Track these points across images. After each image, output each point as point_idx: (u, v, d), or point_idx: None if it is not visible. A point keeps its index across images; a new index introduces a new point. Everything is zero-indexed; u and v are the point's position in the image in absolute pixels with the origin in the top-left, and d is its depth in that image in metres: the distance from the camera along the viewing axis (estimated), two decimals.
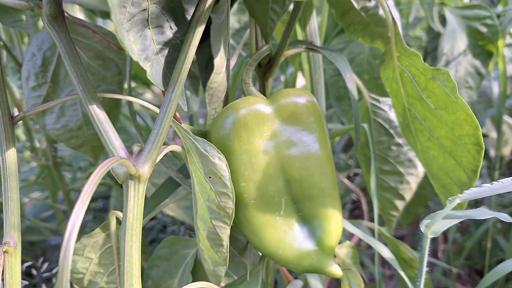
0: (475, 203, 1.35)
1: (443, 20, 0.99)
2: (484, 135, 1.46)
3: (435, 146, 0.41)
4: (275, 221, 0.39)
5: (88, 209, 1.00)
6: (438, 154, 0.42)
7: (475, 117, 0.37)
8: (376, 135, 0.58)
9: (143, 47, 0.33)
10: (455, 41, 0.92)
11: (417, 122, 0.43)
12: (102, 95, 0.39)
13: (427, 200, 1.23)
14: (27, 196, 1.00)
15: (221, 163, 0.36)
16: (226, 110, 0.40)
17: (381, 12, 0.49)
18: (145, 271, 0.50)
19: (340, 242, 0.55)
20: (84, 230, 0.99)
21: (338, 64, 0.45)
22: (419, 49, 1.29)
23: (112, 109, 0.59)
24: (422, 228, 0.34)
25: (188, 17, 0.37)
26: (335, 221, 0.39)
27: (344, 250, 0.52)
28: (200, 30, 0.35)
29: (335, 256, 0.43)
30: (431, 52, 1.22)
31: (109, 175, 0.97)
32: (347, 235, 0.98)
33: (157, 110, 0.37)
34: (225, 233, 0.39)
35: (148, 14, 0.33)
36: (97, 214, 1.01)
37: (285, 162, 0.39)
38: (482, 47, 0.96)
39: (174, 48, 0.36)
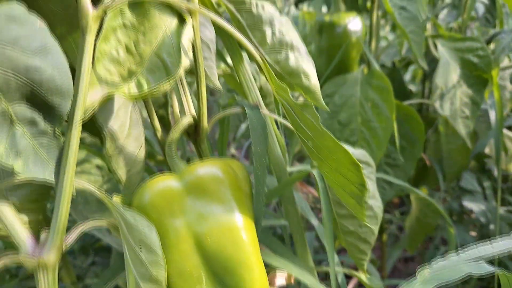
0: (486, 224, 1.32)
1: (434, 57, 0.99)
2: (487, 156, 1.44)
3: (326, 165, 0.44)
4: None
5: None
6: (330, 172, 0.44)
7: (340, 144, 0.40)
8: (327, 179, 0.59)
9: (12, 143, 0.33)
10: (449, 74, 0.92)
11: (306, 146, 0.45)
12: None
13: (431, 227, 1.21)
14: None
15: (150, 232, 0.38)
16: (138, 192, 0.42)
17: (291, 63, 0.52)
18: None
19: None
20: None
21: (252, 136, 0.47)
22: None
23: None
24: None
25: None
26: None
27: None
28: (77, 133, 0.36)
29: None
30: (429, 75, 1.22)
31: None
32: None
33: None
34: None
35: (10, 115, 0.33)
36: None
37: (198, 237, 0.40)
38: (476, 77, 0.96)
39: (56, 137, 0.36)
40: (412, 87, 1.48)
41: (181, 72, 0.42)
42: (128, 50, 0.43)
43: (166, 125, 0.63)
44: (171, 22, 0.43)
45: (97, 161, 0.73)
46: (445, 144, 1.20)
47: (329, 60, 0.90)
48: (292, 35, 0.53)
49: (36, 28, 0.32)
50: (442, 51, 0.90)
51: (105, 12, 0.38)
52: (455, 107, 0.95)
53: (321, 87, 0.81)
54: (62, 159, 0.36)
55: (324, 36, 0.89)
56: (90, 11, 0.37)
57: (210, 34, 0.56)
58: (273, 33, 0.53)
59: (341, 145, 0.40)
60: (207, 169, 0.43)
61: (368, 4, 0.95)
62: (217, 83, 0.55)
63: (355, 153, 0.61)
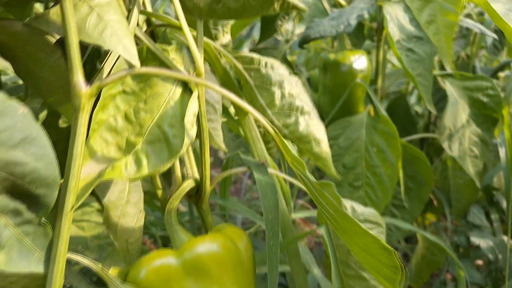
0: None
1: (443, 94, 0.97)
2: (496, 189, 1.41)
3: (353, 243, 0.41)
4: None
5: None
6: (358, 250, 0.42)
7: (366, 230, 0.37)
8: (335, 238, 0.56)
9: None
10: (457, 113, 0.89)
11: (329, 220, 0.43)
12: None
13: (438, 265, 1.18)
14: None
15: None
16: (135, 267, 0.40)
17: (301, 128, 0.49)
18: None
19: None
20: None
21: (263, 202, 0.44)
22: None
23: None
24: None
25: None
26: None
27: None
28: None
29: None
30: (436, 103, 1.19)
31: None
32: None
33: None
34: None
35: None
36: None
37: None
38: (485, 116, 0.93)
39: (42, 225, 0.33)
40: (418, 108, 1.44)
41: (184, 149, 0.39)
42: (127, 118, 0.39)
43: (168, 181, 0.60)
44: (175, 90, 0.40)
45: (98, 205, 0.70)
46: (452, 178, 1.17)
47: (334, 98, 0.87)
48: (303, 98, 0.51)
49: (17, 118, 0.30)
50: (451, 90, 0.88)
51: (100, 90, 0.36)
52: (463, 147, 0.91)
53: (326, 127, 0.79)
54: (52, 250, 0.33)
55: (329, 74, 0.86)
56: (83, 89, 0.34)
57: (216, 95, 0.54)
58: (283, 95, 0.50)
59: (368, 231, 0.36)
60: (207, 246, 0.40)
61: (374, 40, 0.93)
62: (222, 145, 0.52)
63: (364, 212, 0.58)
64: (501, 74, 1.41)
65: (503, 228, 1.36)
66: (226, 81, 0.55)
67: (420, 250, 1.13)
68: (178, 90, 0.40)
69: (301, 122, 0.50)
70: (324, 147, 0.50)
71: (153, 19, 0.50)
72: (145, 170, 0.37)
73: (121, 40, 0.33)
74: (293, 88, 0.51)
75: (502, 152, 1.06)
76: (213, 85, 0.40)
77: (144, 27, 0.52)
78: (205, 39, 0.49)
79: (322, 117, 0.94)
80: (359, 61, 0.85)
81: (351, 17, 0.77)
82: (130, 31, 0.35)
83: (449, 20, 0.57)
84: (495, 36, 0.94)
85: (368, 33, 1.02)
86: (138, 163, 0.38)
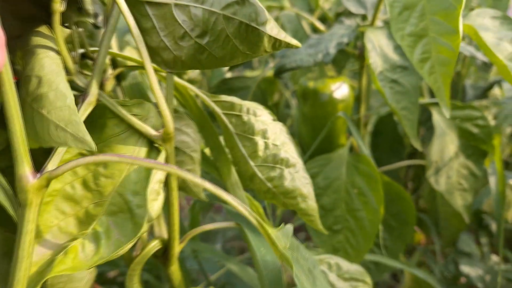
0: None
1: (430, 123, 0.90)
2: (485, 212, 1.34)
3: None
4: None
5: None
6: None
7: None
8: None
9: None
10: (445, 145, 0.83)
11: None
12: None
13: None
14: None
15: None
16: None
17: (287, 183, 0.46)
18: None
19: None
20: None
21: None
22: None
23: None
24: None
25: None
26: None
27: None
28: None
29: None
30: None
31: None
32: None
33: None
34: None
35: None
36: None
37: None
38: (474, 147, 0.86)
39: None
40: None
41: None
42: (86, 185, 0.34)
43: None
44: (139, 151, 0.36)
45: None
46: (441, 206, 1.11)
47: (314, 129, 0.80)
48: (288, 149, 0.48)
49: None
50: (438, 120, 0.82)
51: (49, 182, 0.28)
52: (451, 180, 0.85)
53: (305, 162, 0.72)
54: None
55: (308, 103, 0.80)
56: (30, 181, 0.27)
57: (193, 143, 0.49)
58: (266, 146, 0.47)
59: None
60: None
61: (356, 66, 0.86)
62: (201, 196, 0.49)
63: (350, 269, 0.53)
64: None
65: (492, 252, 1.30)
66: (204, 125, 0.48)
67: (407, 284, 1.05)
68: (143, 150, 0.37)
69: (286, 176, 0.47)
70: (311, 203, 0.48)
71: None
72: (106, 251, 0.30)
73: (67, 129, 0.28)
74: (277, 138, 0.48)
75: (492, 181, 1.00)
76: (179, 170, 0.33)
77: (110, 71, 0.45)
78: (178, 80, 0.47)
79: (302, 148, 0.86)
80: (340, 90, 0.79)
81: (330, 45, 0.70)
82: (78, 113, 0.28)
83: (446, 58, 0.50)
84: (486, 60, 0.87)
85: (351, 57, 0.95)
86: (97, 241, 0.31)
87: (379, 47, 0.72)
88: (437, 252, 1.26)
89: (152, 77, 0.35)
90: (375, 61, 0.69)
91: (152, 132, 0.37)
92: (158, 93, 0.35)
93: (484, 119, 0.86)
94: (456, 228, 1.13)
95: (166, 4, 0.36)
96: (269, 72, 0.94)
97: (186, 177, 0.32)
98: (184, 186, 0.50)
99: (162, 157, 0.37)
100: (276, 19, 0.90)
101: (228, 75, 1.21)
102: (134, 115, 0.37)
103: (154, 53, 0.37)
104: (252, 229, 0.49)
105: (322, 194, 0.70)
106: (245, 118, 0.47)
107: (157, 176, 0.36)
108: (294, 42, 0.38)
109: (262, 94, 0.95)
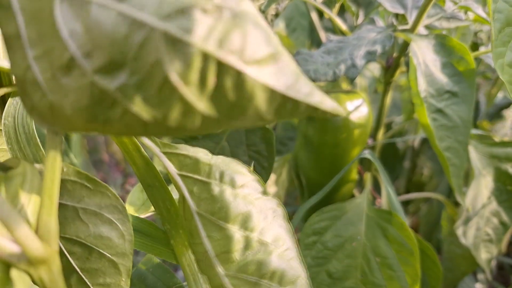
0: None
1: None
2: None
3: None
4: None
5: None
6: None
7: None
8: None
9: None
10: (479, 190, 0.64)
11: None
12: None
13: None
14: None
15: None
16: None
17: None
18: None
19: None
20: None
21: None
22: None
23: None
24: None
25: None
26: None
27: None
28: None
29: None
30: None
31: None
32: None
33: None
34: None
35: None
36: None
37: None
38: (510, 192, 0.67)
39: None
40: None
41: None
42: None
43: None
44: None
45: None
46: (447, 244, 0.92)
47: (319, 159, 0.60)
48: (285, 251, 0.27)
49: None
50: (475, 159, 0.61)
51: None
52: (479, 233, 0.66)
53: (307, 211, 0.52)
54: None
55: (313, 125, 0.59)
56: None
57: (119, 241, 0.30)
58: (248, 244, 0.27)
59: None
60: None
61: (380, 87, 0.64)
62: None
63: None
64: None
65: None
66: (152, 183, 0.30)
67: None
68: None
69: None
70: None
71: None
72: None
73: None
74: (267, 229, 0.27)
75: None
76: None
77: None
78: None
79: (300, 182, 0.66)
80: (359, 111, 0.58)
81: (357, 53, 0.49)
82: None
83: None
84: None
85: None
86: None
87: (423, 63, 0.51)
88: None
89: None
90: (419, 81, 0.48)
91: (7, 248, 0.17)
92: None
93: None
94: (461, 271, 0.96)
95: None
96: None
97: None
98: None
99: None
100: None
101: None
102: None
103: (22, 88, 0.16)
104: None
105: (330, 257, 0.50)
106: (216, 189, 0.27)
107: None
108: (338, 110, 0.17)
109: None
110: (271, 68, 0.16)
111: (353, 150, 0.60)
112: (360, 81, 1.03)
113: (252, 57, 0.16)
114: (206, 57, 0.15)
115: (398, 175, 1.21)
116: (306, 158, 0.62)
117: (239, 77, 0.16)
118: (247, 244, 0.26)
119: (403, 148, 1.23)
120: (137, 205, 0.39)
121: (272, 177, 0.92)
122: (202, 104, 0.16)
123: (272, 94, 0.17)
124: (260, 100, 0.17)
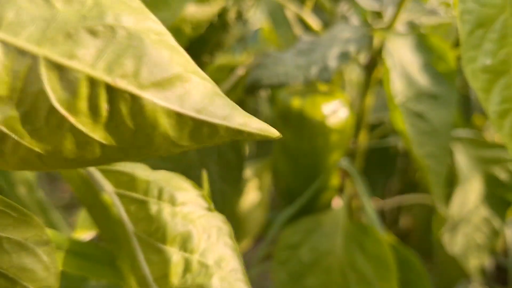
0: None
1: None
2: None
3: None
4: None
5: None
6: None
7: None
8: None
9: None
10: (466, 195, 0.62)
11: None
12: None
13: None
14: None
15: None
16: None
17: None
18: None
19: None
20: None
21: None
22: None
23: None
24: None
25: None
26: None
27: None
28: None
29: None
30: None
31: None
32: None
33: None
34: None
35: None
36: None
37: None
38: (499, 197, 0.66)
39: None
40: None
41: None
42: None
43: None
44: None
45: None
46: (438, 248, 0.90)
47: (296, 166, 0.58)
48: (229, 274, 0.25)
49: None
50: (461, 162, 0.60)
51: None
52: (468, 238, 0.65)
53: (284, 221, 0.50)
54: None
55: (290, 129, 0.57)
56: None
57: (44, 273, 0.29)
58: (188, 266, 0.25)
59: None
60: None
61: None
62: None
63: None
64: None
65: None
66: (93, 203, 0.28)
67: None
68: None
69: None
70: None
71: None
72: None
73: None
74: (210, 250, 0.26)
75: (509, 235, 0.81)
76: None
77: None
78: None
79: (279, 189, 0.64)
80: (337, 114, 0.56)
81: (329, 53, 0.48)
82: None
83: None
84: None
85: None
86: None
87: (400, 65, 0.49)
88: None
89: None
90: (395, 84, 0.46)
91: None
92: None
93: None
94: (453, 277, 0.95)
95: None
96: (228, 60, 0.65)
97: None
98: None
99: None
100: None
101: None
102: None
103: None
104: None
105: (306, 273, 0.48)
106: (153, 208, 0.25)
107: None
108: (267, 131, 0.16)
109: None
110: (175, 90, 0.14)
111: (332, 156, 0.58)
112: (348, 74, 1.01)
113: (148, 80, 0.14)
114: (94, 83, 0.13)
115: (390, 175, 1.19)
116: (284, 164, 0.60)
117: (136, 103, 0.14)
118: (187, 267, 0.25)
119: (398, 146, 1.22)
120: (85, 225, 0.37)
121: (255, 182, 0.90)
122: (98, 134, 0.14)
123: (180, 118, 0.15)
124: (166, 126, 0.15)
